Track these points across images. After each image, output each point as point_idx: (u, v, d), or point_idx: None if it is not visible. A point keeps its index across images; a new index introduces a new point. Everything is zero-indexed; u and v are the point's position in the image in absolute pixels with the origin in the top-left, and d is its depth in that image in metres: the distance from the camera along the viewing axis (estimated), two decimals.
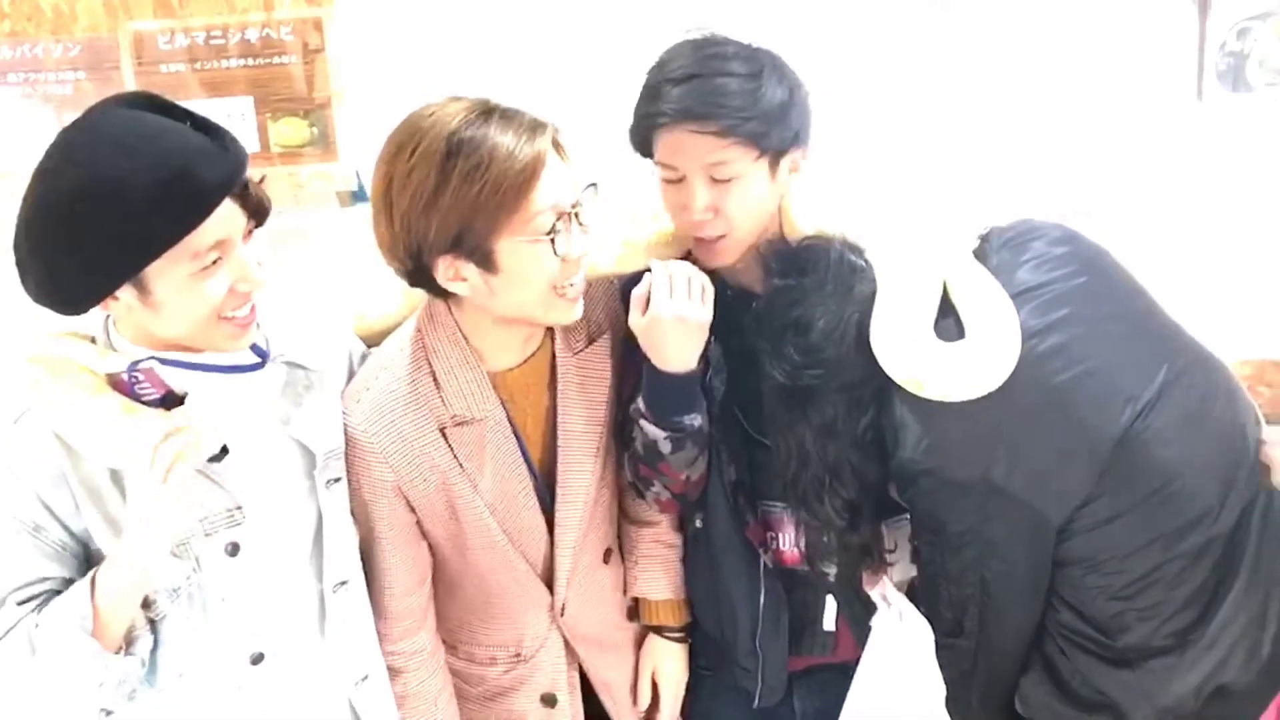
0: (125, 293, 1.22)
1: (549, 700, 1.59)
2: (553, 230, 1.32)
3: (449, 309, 1.44)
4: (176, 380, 1.25)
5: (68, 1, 2.16)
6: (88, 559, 1.29)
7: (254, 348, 1.37)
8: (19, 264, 1.22)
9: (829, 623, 1.58)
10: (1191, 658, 1.33)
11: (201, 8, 2.17)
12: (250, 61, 2.19)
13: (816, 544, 1.49)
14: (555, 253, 1.33)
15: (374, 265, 1.41)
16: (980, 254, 1.38)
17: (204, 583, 1.32)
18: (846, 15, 2.14)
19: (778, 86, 1.39)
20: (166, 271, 1.21)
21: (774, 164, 1.42)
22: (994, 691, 1.45)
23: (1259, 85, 2.12)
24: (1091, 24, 2.11)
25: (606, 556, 1.62)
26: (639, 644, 1.68)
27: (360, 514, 1.47)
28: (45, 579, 1.27)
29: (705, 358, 1.48)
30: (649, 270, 1.42)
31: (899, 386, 1.32)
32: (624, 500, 1.65)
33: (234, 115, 2.18)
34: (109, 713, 1.29)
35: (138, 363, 1.23)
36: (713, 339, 1.47)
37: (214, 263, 1.24)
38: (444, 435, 1.45)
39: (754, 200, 1.42)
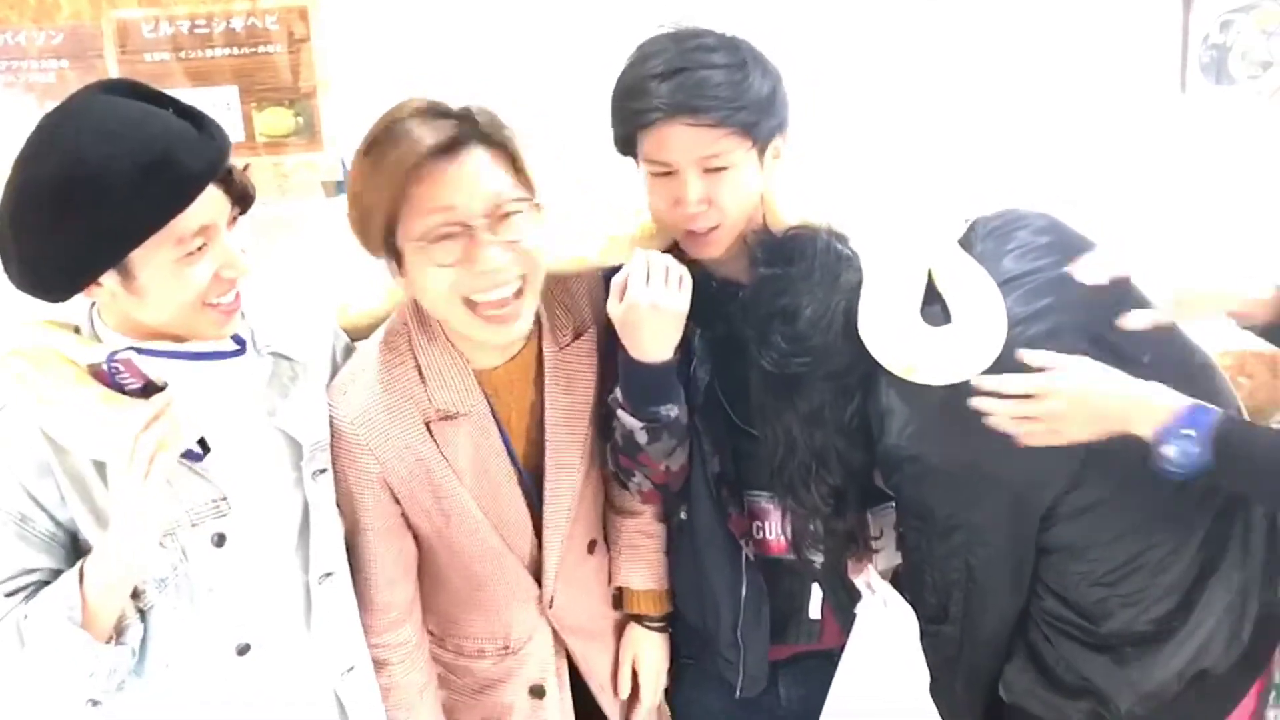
0: (109, 279, 1.22)
1: (537, 691, 1.59)
2: (440, 237, 1.31)
3: None
4: (155, 370, 1.25)
5: None
6: (75, 549, 1.28)
7: (234, 336, 1.36)
8: (1, 251, 1.22)
9: (814, 610, 1.58)
10: (1174, 644, 1.34)
11: None
12: (235, 51, 2.18)
13: (803, 531, 1.50)
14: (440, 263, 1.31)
15: (359, 257, 1.41)
16: (965, 242, 1.39)
17: (190, 573, 1.31)
18: (832, 5, 2.14)
19: (762, 75, 1.40)
20: (151, 258, 1.21)
21: (761, 152, 1.43)
22: (978, 678, 1.46)
23: (1241, 78, 2.14)
24: (1076, 16, 2.12)
25: (591, 547, 1.62)
26: (620, 629, 1.69)
27: (346, 506, 1.47)
28: (33, 570, 1.26)
29: (689, 348, 1.48)
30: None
31: (886, 373, 1.33)
32: (609, 490, 1.65)
33: (219, 105, 2.17)
34: (97, 703, 1.28)
35: (116, 353, 1.23)
36: (697, 329, 1.48)
37: (199, 249, 1.23)
38: (429, 429, 1.45)
39: (745, 189, 1.42)
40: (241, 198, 1.28)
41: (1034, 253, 1.36)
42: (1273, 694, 1.48)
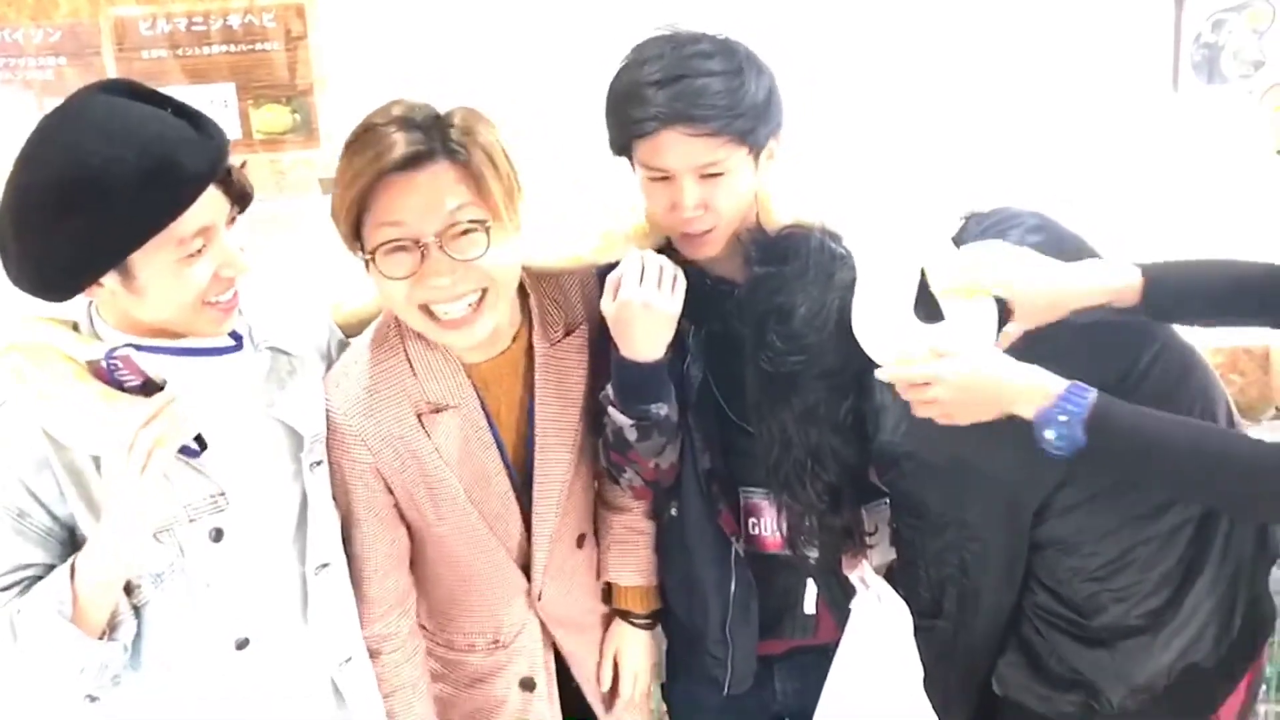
0: (109, 279, 1.22)
1: (528, 684, 1.60)
2: (393, 249, 1.32)
3: None
4: (154, 367, 1.25)
5: None
6: (72, 545, 1.28)
7: (231, 332, 1.36)
8: (1, 250, 1.22)
9: (809, 606, 1.59)
10: (1164, 637, 1.36)
11: None
12: (232, 48, 2.18)
13: (798, 527, 1.51)
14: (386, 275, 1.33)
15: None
16: (958, 241, 1.39)
17: (188, 568, 1.32)
18: (827, 5, 2.15)
19: (758, 80, 1.39)
20: (151, 258, 1.21)
21: (756, 155, 1.43)
22: (972, 672, 1.48)
23: (1233, 77, 2.15)
24: (1070, 15, 2.12)
25: (580, 542, 1.63)
26: (608, 622, 1.70)
27: (340, 497, 1.48)
28: (29, 565, 1.26)
29: (683, 346, 1.49)
30: None
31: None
32: (600, 485, 1.66)
33: (216, 102, 2.17)
34: (94, 699, 1.29)
35: (115, 350, 1.23)
36: (691, 328, 1.48)
37: (199, 250, 1.24)
38: (420, 421, 1.46)
39: (741, 192, 1.43)
40: (240, 197, 1.28)
41: None
42: (1262, 687, 1.50)
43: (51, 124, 1.22)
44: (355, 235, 1.34)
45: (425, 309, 1.36)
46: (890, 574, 1.55)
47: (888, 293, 1.34)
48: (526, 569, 1.56)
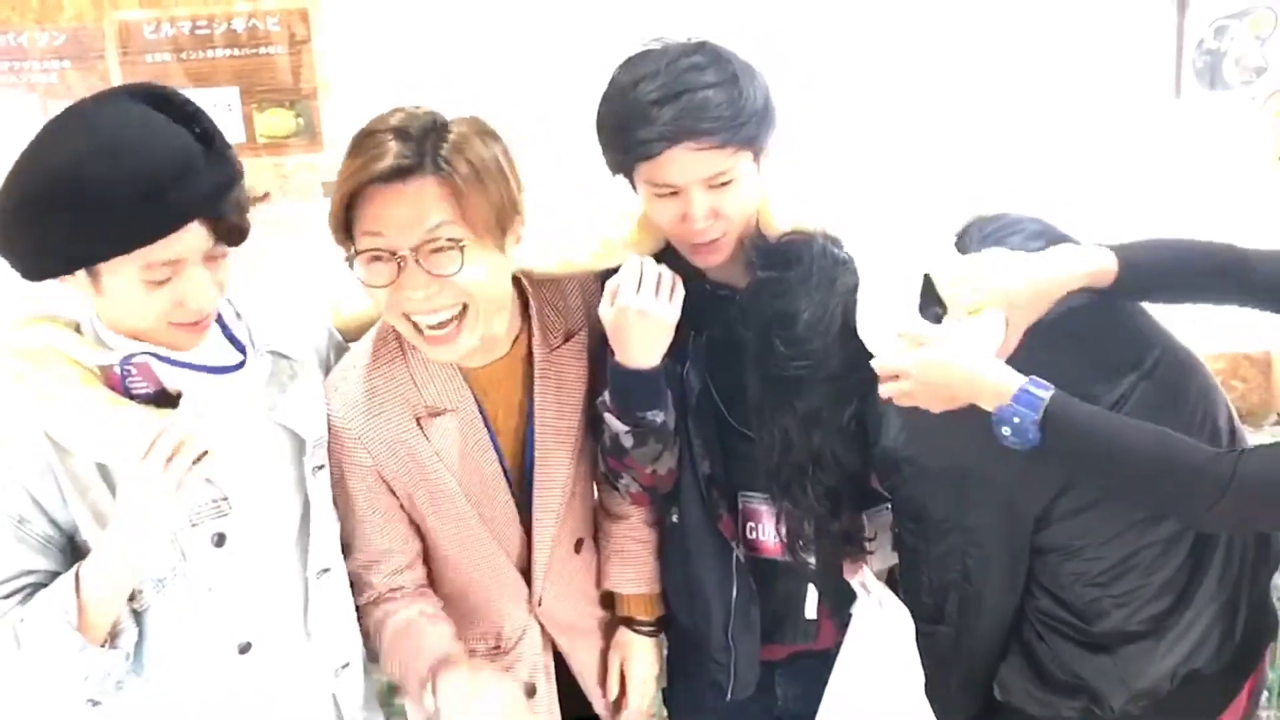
0: (79, 273, 1.22)
1: (529, 690, 1.60)
2: (373, 259, 1.32)
3: None
4: (170, 377, 1.25)
5: None
6: (73, 552, 1.28)
7: (235, 344, 1.36)
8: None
9: (810, 611, 1.59)
10: (1167, 643, 1.36)
11: None
12: (236, 52, 2.19)
13: (798, 532, 1.51)
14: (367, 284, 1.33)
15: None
16: (960, 246, 1.39)
17: (190, 573, 1.32)
18: (830, 12, 2.15)
19: (754, 85, 1.39)
20: (117, 270, 1.21)
21: (759, 159, 1.44)
22: (973, 678, 1.47)
23: (1235, 83, 2.15)
24: (1072, 22, 2.13)
25: (578, 546, 1.63)
26: (610, 626, 1.70)
27: (341, 499, 1.48)
28: (30, 572, 1.26)
29: (682, 353, 1.49)
30: None
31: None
32: (600, 493, 1.66)
33: (219, 106, 2.18)
34: (97, 703, 1.29)
35: (133, 356, 1.23)
36: (692, 333, 1.49)
37: (164, 278, 1.22)
38: (419, 425, 1.46)
39: (747, 197, 1.43)
40: (229, 236, 1.26)
41: None
42: (1264, 694, 1.50)
43: (73, 116, 1.22)
44: (347, 237, 1.34)
45: (408, 318, 1.36)
46: (892, 579, 1.55)
47: (892, 293, 1.34)
48: (525, 574, 1.57)
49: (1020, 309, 1.28)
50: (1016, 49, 2.13)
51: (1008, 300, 1.28)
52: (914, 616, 1.46)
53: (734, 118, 1.36)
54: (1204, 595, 1.35)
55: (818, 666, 1.57)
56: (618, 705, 1.69)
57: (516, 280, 1.49)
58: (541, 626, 1.60)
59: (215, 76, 2.19)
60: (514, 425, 1.53)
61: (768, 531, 1.56)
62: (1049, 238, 1.38)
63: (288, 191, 2.23)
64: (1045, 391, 1.22)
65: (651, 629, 1.68)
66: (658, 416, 1.46)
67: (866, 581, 1.51)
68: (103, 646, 1.24)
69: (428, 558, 1.57)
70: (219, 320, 1.35)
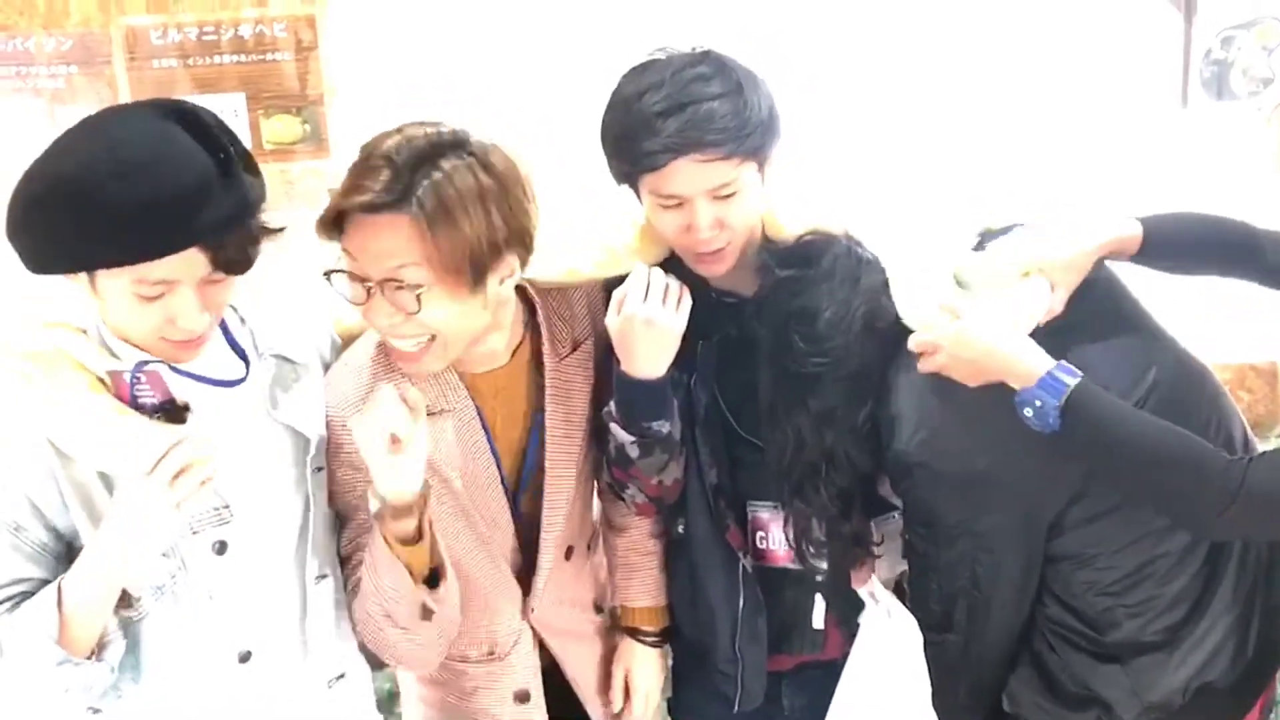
0: (81, 274, 1.23)
1: (522, 696, 1.59)
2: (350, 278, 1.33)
3: None
4: (180, 388, 1.25)
5: None
6: (69, 561, 1.26)
7: (238, 351, 1.36)
8: (10, 201, 1.21)
9: (818, 620, 1.58)
10: (1180, 655, 1.35)
11: (194, 3, 2.17)
12: (243, 58, 2.19)
13: (807, 535, 1.50)
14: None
15: None
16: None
17: (190, 581, 1.31)
18: (840, 20, 2.16)
19: (758, 95, 1.39)
20: (112, 278, 1.21)
21: (763, 169, 1.44)
22: (982, 688, 1.46)
23: (1242, 93, 2.15)
24: (1080, 31, 2.13)
25: (569, 554, 1.62)
26: (606, 633, 1.70)
27: (337, 495, 1.46)
28: (22, 580, 1.25)
29: (689, 362, 1.49)
30: None
31: (898, 379, 1.34)
32: (603, 504, 1.65)
33: (226, 112, 2.17)
34: (97, 710, 1.28)
35: (145, 364, 1.23)
36: (699, 343, 1.48)
37: (156, 295, 1.22)
38: None
39: (752, 207, 1.43)
40: (230, 266, 1.25)
41: None
42: (1274, 710, 1.49)
43: (97, 123, 1.23)
44: (332, 240, 1.35)
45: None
46: (900, 587, 1.55)
47: (929, 267, 1.36)
48: (519, 579, 1.56)
49: (1063, 270, 1.32)
50: (1024, 58, 2.13)
51: (1051, 263, 1.31)
52: (923, 624, 1.45)
53: (739, 129, 1.35)
54: (1218, 607, 1.35)
55: (825, 677, 1.57)
56: (620, 716, 1.68)
57: (521, 289, 1.49)
58: (535, 633, 1.59)
59: (222, 82, 2.19)
60: (515, 434, 1.52)
61: (776, 540, 1.55)
62: None
63: (294, 198, 2.23)
64: (1072, 378, 1.23)
65: (656, 640, 1.68)
66: (664, 427, 1.46)
67: (875, 591, 1.50)
68: (89, 658, 1.23)
69: None
70: (222, 326, 1.35)
